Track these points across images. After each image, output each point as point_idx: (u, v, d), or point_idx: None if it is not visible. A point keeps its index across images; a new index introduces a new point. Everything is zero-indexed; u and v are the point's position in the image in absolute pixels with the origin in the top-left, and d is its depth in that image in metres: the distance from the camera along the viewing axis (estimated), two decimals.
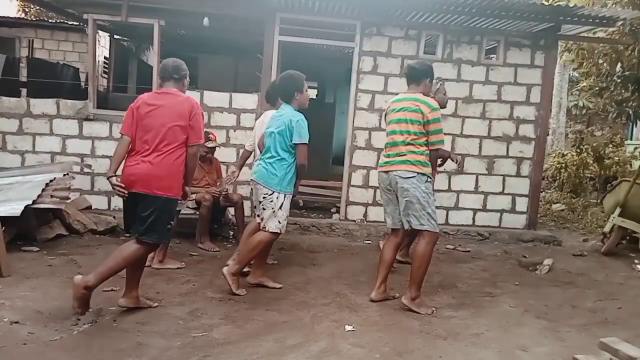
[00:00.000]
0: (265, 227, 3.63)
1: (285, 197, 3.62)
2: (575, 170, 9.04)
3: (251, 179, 3.76)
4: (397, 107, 3.57)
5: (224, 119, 5.83)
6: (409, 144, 3.46)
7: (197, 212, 4.90)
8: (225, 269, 3.63)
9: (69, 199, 4.90)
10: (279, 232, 3.65)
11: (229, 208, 5.25)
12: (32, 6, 12.83)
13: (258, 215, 3.75)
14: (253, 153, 4.29)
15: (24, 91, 7.87)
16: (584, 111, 10.80)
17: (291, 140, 3.56)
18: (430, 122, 3.44)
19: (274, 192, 3.60)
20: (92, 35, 5.88)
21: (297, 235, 5.60)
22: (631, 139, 11.99)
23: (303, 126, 3.58)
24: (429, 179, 3.48)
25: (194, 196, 4.86)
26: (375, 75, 5.88)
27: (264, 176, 3.61)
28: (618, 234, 5.50)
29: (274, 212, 3.59)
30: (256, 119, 4.79)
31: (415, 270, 3.45)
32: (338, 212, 6.15)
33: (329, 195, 6.70)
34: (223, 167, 5.48)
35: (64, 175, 4.86)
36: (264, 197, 3.62)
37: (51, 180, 4.66)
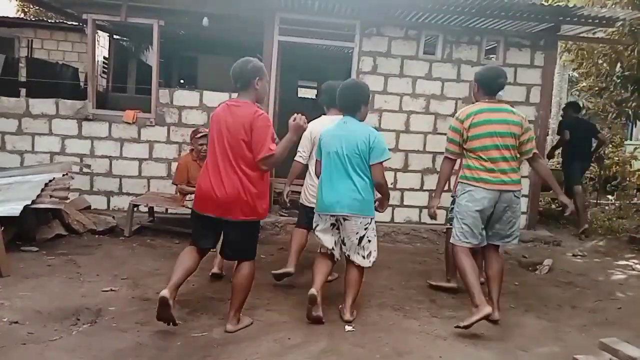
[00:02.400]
0: (366, 264, 3.26)
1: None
2: None
3: (332, 215, 3.20)
4: (490, 118, 3.26)
5: None
6: (517, 159, 3.33)
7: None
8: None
9: (68, 199, 4.89)
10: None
11: None
12: (31, 6, 12.80)
13: (357, 253, 3.24)
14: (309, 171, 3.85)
15: (23, 91, 7.87)
16: (584, 111, 10.77)
17: (369, 160, 3.15)
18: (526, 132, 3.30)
19: (372, 218, 3.26)
20: (91, 35, 5.88)
21: None
22: (631, 139, 12.01)
23: (383, 142, 3.21)
24: None
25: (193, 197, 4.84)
26: (374, 76, 5.87)
27: (358, 206, 3.16)
28: None
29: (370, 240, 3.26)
30: None
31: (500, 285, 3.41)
32: None
33: None
34: None
35: (63, 175, 4.86)
36: (365, 229, 3.21)
37: (50, 181, 4.66)
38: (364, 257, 3.25)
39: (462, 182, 3.36)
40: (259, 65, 3.00)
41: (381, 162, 3.17)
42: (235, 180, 2.86)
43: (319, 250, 3.39)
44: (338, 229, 3.27)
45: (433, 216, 3.52)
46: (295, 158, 3.88)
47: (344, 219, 3.19)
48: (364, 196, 3.16)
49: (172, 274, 2.90)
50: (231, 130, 2.89)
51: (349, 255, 3.28)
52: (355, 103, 3.28)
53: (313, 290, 3.11)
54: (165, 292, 2.75)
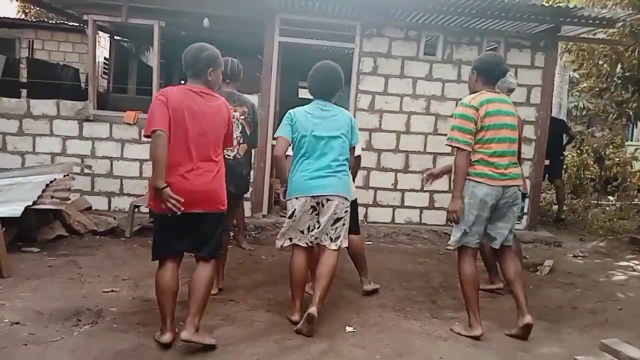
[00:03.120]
0: (341, 246, 3.19)
1: None
2: (576, 171, 9.05)
3: (314, 195, 3.07)
4: (500, 108, 3.08)
5: None
6: (516, 154, 3.19)
7: None
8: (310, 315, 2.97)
9: (69, 199, 4.90)
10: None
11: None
12: (32, 7, 12.82)
13: (331, 239, 3.13)
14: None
15: (24, 92, 7.88)
16: (584, 112, 10.82)
17: (351, 142, 3.20)
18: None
19: (350, 202, 3.24)
20: (92, 36, 5.88)
21: None
22: (631, 140, 12.01)
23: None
24: None
25: None
26: (375, 76, 5.88)
27: (343, 187, 3.12)
28: None
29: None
30: None
31: (524, 286, 3.20)
32: None
33: None
34: None
35: (64, 176, 4.86)
36: (345, 212, 3.16)
37: (51, 181, 4.66)
38: (332, 239, 3.14)
39: (467, 180, 3.07)
40: (215, 54, 2.77)
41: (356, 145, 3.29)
42: (216, 170, 2.74)
43: (283, 245, 3.18)
44: (318, 213, 3.13)
45: (457, 220, 3.11)
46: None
47: (327, 200, 3.08)
48: (347, 178, 3.19)
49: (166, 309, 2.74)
50: (207, 120, 2.71)
51: (320, 241, 3.14)
52: (335, 90, 3.28)
53: (314, 310, 2.94)
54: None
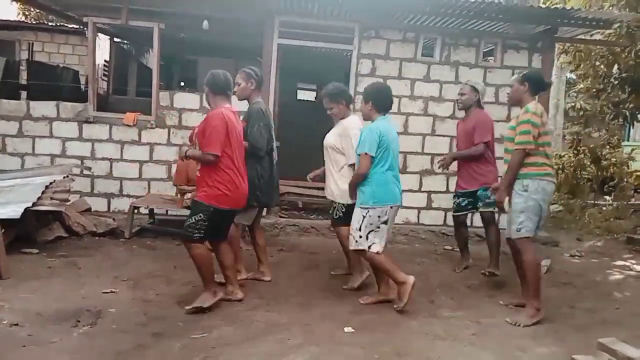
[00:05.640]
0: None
1: None
2: (573, 172, 9.07)
3: (397, 205, 3.55)
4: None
5: None
6: None
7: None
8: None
9: (69, 201, 4.91)
10: None
11: None
12: (32, 9, 12.84)
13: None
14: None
15: (24, 94, 7.89)
16: (581, 113, 10.83)
17: None
18: None
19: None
20: (92, 38, 5.90)
21: (296, 237, 5.62)
22: (628, 140, 12.03)
23: None
24: None
25: (189, 195, 4.88)
26: (373, 78, 5.88)
27: None
28: None
29: None
30: None
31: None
32: None
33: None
34: None
35: (64, 177, 4.88)
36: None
37: (51, 183, 4.67)
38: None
39: (531, 178, 3.42)
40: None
41: None
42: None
43: (378, 251, 3.45)
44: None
45: (503, 209, 3.65)
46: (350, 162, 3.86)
47: (397, 208, 3.57)
48: None
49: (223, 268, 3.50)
50: (240, 135, 3.45)
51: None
52: (389, 104, 3.71)
53: (412, 278, 3.44)
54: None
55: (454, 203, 4.68)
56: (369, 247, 3.45)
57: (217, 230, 3.34)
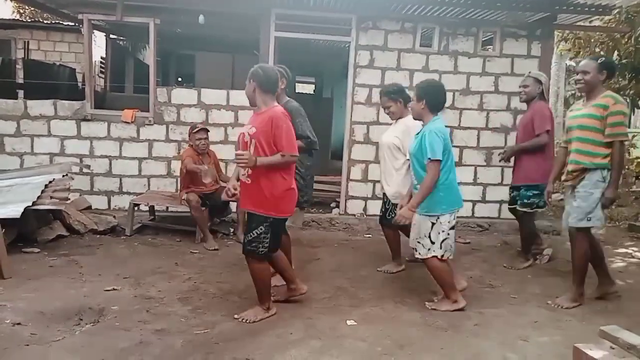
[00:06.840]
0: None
1: None
2: None
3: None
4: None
5: (222, 116, 5.83)
6: None
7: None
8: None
9: (69, 199, 4.91)
10: None
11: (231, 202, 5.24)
12: (26, 7, 12.77)
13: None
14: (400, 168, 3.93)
15: (20, 93, 7.86)
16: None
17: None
18: None
19: None
20: (87, 36, 5.87)
21: (297, 231, 5.57)
22: (629, 127, 11.99)
23: None
24: None
25: (184, 196, 4.88)
26: (372, 69, 5.87)
27: None
28: None
29: None
30: None
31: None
32: (338, 206, 6.16)
33: (328, 190, 6.70)
34: (222, 165, 5.50)
35: (63, 176, 4.87)
36: None
37: (50, 182, 4.67)
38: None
39: (608, 169, 3.41)
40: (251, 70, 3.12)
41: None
42: None
43: (447, 257, 3.36)
44: None
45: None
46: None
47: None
48: None
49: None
50: None
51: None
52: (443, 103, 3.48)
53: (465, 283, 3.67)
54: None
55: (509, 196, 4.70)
56: (442, 256, 3.33)
57: (275, 238, 3.15)
